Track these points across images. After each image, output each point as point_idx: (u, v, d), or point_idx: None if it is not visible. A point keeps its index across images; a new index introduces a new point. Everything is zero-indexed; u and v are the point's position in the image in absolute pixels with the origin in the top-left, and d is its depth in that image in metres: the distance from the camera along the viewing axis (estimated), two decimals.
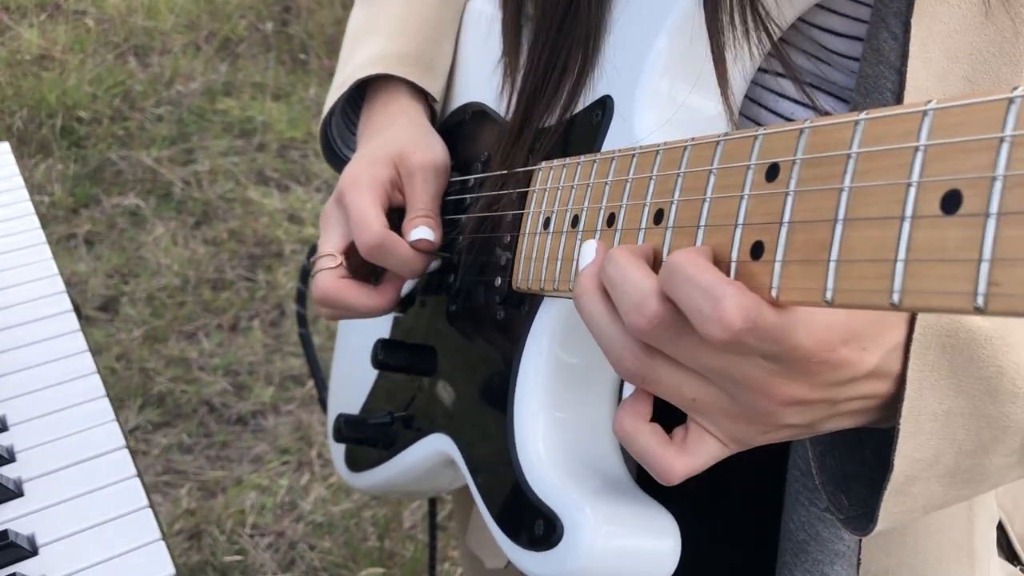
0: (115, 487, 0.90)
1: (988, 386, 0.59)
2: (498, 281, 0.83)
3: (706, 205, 0.54)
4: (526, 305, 0.80)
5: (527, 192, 0.79)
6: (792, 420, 0.56)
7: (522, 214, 0.79)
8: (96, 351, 2.60)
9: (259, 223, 3.14)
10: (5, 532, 0.82)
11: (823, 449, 0.66)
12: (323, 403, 1.28)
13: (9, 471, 0.90)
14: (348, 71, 1.03)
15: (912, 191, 0.39)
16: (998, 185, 0.35)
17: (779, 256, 0.47)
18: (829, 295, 0.43)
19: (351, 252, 0.92)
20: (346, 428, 1.00)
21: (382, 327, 1.08)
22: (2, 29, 3.77)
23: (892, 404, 0.58)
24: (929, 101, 0.40)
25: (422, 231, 0.90)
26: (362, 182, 0.91)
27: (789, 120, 0.73)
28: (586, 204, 0.68)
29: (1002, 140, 0.36)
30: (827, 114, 0.60)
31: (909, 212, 0.39)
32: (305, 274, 1.25)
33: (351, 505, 2.35)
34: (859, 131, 0.43)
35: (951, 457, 0.60)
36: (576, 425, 0.74)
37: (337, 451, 1.15)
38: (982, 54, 0.63)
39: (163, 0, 4.09)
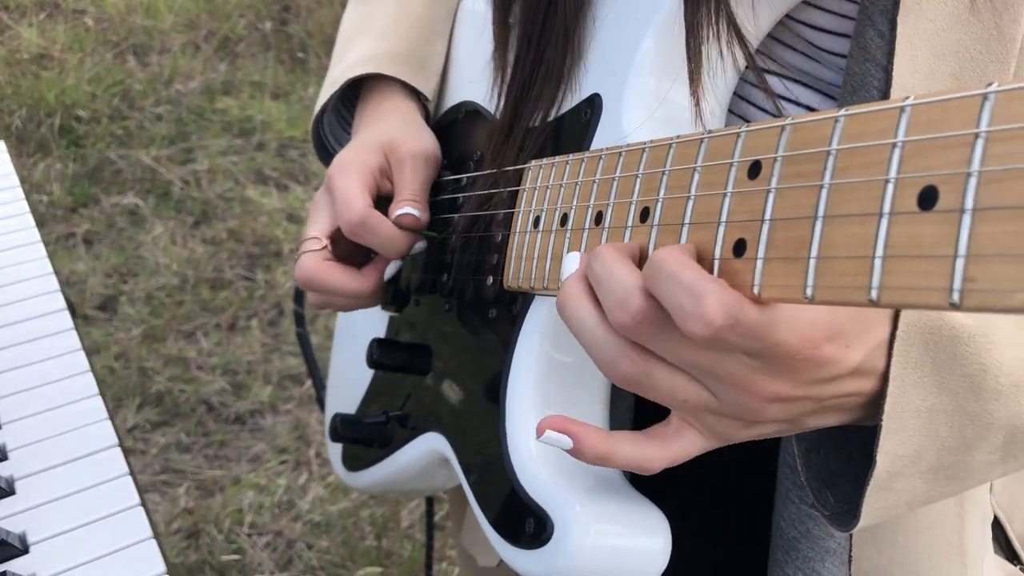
0: (107, 485, 0.90)
1: (971, 383, 0.59)
2: (490, 280, 0.83)
3: (690, 203, 0.54)
4: (517, 304, 0.80)
5: (518, 191, 0.79)
6: (775, 416, 0.56)
7: (512, 213, 0.79)
8: (95, 350, 2.63)
9: (258, 222, 3.14)
10: None
11: (808, 446, 0.66)
12: (321, 402, 1.29)
13: (0, 469, 0.90)
14: (340, 70, 1.03)
15: (890, 187, 0.39)
16: (973, 181, 0.35)
17: (761, 253, 0.47)
18: (809, 292, 0.43)
19: (338, 238, 0.93)
20: (342, 427, 1.00)
21: (378, 326, 1.08)
22: (1, 28, 3.77)
23: (876, 401, 0.58)
24: (907, 98, 0.40)
25: (407, 208, 0.90)
26: (350, 167, 0.91)
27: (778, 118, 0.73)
28: (575, 203, 0.68)
29: (977, 136, 0.36)
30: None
31: (887, 209, 0.39)
32: None
33: (349, 504, 2.35)
34: (838, 128, 0.43)
35: (934, 454, 0.60)
36: None
37: (334, 450, 1.15)
38: (968, 51, 0.63)
39: None
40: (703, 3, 0.68)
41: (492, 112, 0.88)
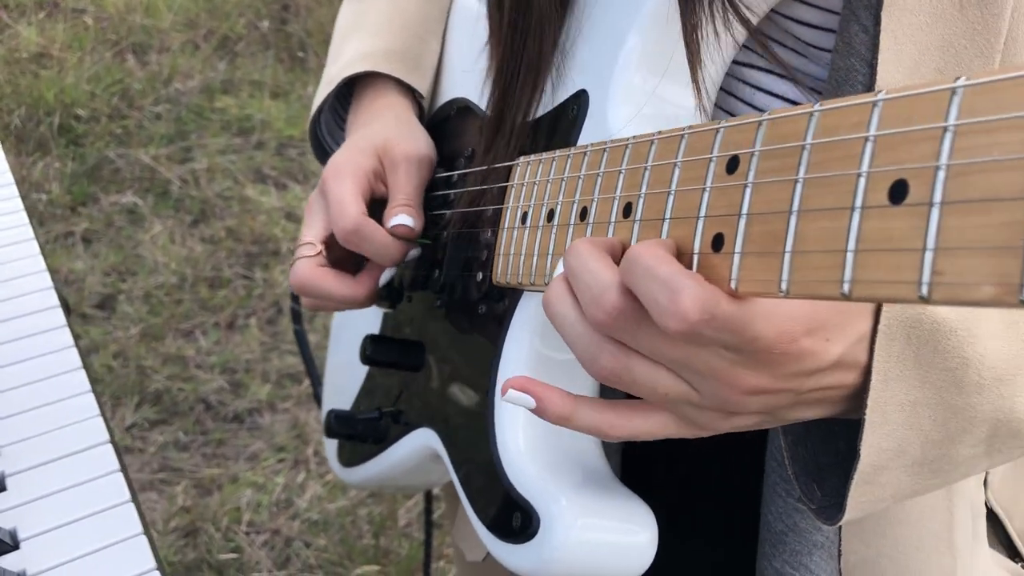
0: (98, 482, 0.90)
1: (953, 377, 0.59)
2: (479, 276, 0.83)
3: (671, 198, 0.54)
4: (506, 300, 0.80)
5: (506, 187, 0.79)
6: (755, 408, 0.56)
7: (501, 209, 0.79)
8: (93, 349, 2.63)
9: (256, 221, 3.14)
10: None
11: (795, 440, 0.66)
12: (318, 399, 1.29)
13: None
14: (335, 69, 1.03)
15: (862, 181, 0.40)
16: (941, 175, 0.36)
17: (738, 248, 0.47)
18: (784, 286, 0.44)
19: (333, 243, 0.93)
20: (336, 423, 1.01)
21: (372, 323, 1.08)
22: (0, 27, 3.77)
23: (859, 395, 0.58)
24: (879, 92, 0.40)
25: (401, 217, 0.90)
26: (344, 171, 0.91)
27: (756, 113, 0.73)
28: (560, 198, 0.68)
29: (945, 130, 0.36)
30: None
31: (859, 203, 0.40)
32: None
33: (347, 503, 2.35)
34: (813, 123, 0.44)
35: (918, 447, 0.61)
36: None
37: (330, 446, 1.16)
38: (953, 46, 0.63)
39: None
40: None
41: (484, 108, 0.88)
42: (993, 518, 0.84)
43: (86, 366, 1.04)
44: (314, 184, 3.26)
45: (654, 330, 0.53)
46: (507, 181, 0.79)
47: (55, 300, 1.16)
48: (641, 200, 0.57)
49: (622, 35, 0.73)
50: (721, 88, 0.75)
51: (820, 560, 0.75)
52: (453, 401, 0.87)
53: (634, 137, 0.60)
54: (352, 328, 1.15)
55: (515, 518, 0.71)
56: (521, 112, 0.81)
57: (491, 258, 0.80)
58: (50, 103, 3.47)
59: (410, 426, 0.94)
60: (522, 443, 0.73)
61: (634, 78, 0.72)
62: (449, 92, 1.03)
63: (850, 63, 0.65)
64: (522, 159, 0.77)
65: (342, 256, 0.94)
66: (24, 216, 1.31)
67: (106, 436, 0.95)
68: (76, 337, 1.09)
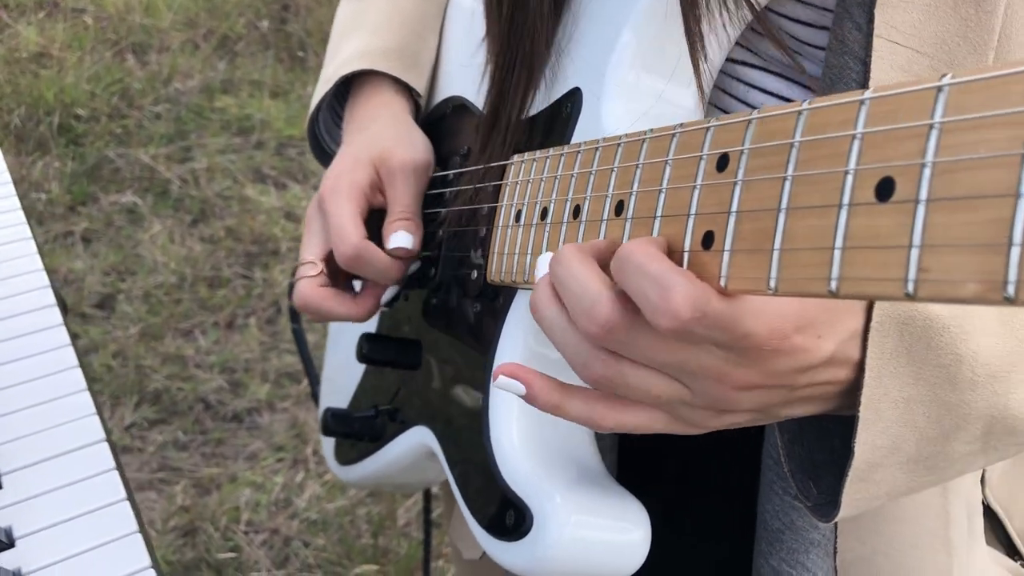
0: (94, 480, 0.90)
1: (947, 374, 0.59)
2: (474, 275, 0.84)
3: (662, 196, 0.54)
4: (501, 298, 0.80)
5: (501, 185, 0.79)
6: (748, 406, 0.56)
7: (496, 207, 0.79)
8: (93, 348, 2.63)
9: (256, 221, 3.14)
10: None
11: (791, 437, 0.66)
12: (315, 398, 1.29)
13: None
14: (333, 67, 1.03)
15: (849, 179, 0.40)
16: (927, 172, 0.36)
17: (727, 246, 0.47)
18: (773, 283, 0.44)
19: (332, 258, 0.93)
20: (333, 422, 1.01)
21: (369, 322, 1.08)
22: (0, 26, 3.77)
23: (852, 391, 0.58)
24: (866, 90, 0.40)
25: (400, 237, 0.90)
26: (342, 189, 0.92)
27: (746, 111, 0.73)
28: (554, 196, 0.68)
29: (931, 127, 0.36)
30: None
31: (846, 200, 0.40)
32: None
33: (346, 502, 2.35)
34: (802, 121, 0.44)
35: (913, 444, 0.61)
36: (550, 416, 0.75)
37: (328, 445, 1.16)
38: (947, 44, 0.63)
39: None
40: None
41: (479, 106, 0.88)
42: (992, 516, 0.84)
43: (86, 366, 1.04)
44: (314, 184, 3.27)
45: (648, 338, 0.53)
46: (502, 179, 0.80)
47: (52, 299, 1.16)
48: (633, 198, 0.57)
49: (616, 32, 0.73)
50: (715, 85, 0.75)
51: (816, 558, 0.75)
52: (448, 399, 0.87)
53: (626, 135, 0.60)
54: (350, 327, 1.15)
55: (508, 516, 0.71)
56: (516, 110, 0.82)
57: (486, 256, 0.80)
58: (50, 103, 3.47)
59: (406, 424, 0.94)
60: (516, 441, 0.73)
61: (628, 75, 0.72)
62: (445, 90, 1.03)
63: (843, 61, 0.65)
64: (516, 157, 0.77)
65: (341, 269, 0.95)
66: (21, 215, 1.31)
67: (102, 434, 0.95)
68: (75, 336, 1.10)
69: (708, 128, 0.51)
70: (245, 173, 3.35)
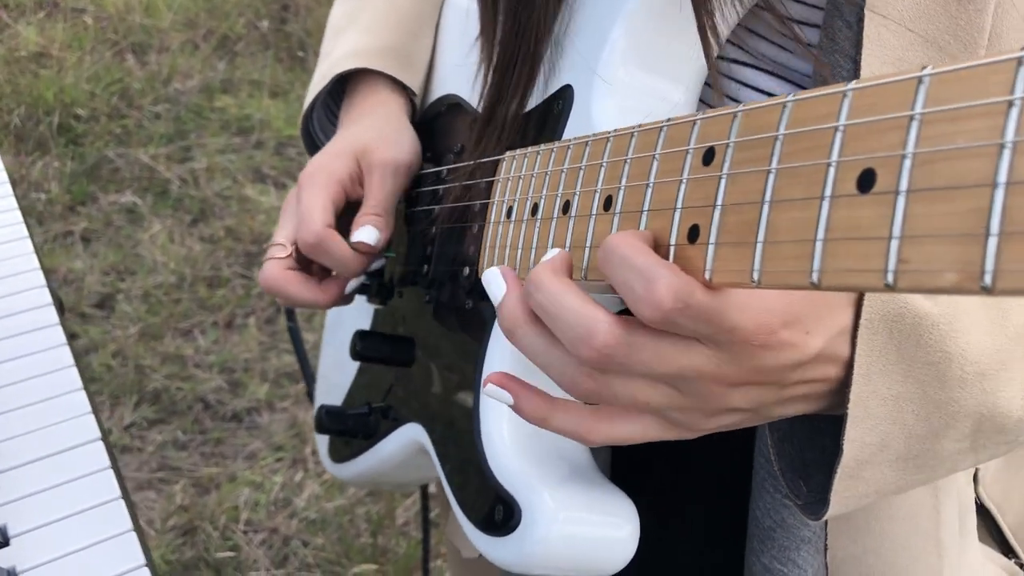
0: (89, 479, 0.90)
1: (936, 371, 0.59)
2: (466, 271, 0.84)
3: (649, 190, 0.54)
4: None
5: (493, 181, 0.79)
6: (739, 404, 0.56)
7: (488, 203, 0.79)
8: (92, 348, 2.63)
9: (255, 221, 3.14)
10: None
11: (781, 436, 0.66)
12: (311, 396, 1.29)
13: None
14: (327, 65, 1.03)
15: (831, 171, 0.40)
16: (907, 163, 0.36)
17: (712, 239, 0.47)
18: (756, 276, 0.44)
19: None
20: (327, 419, 1.01)
21: (364, 319, 1.08)
22: (0, 26, 3.78)
23: (842, 389, 0.58)
24: (848, 83, 0.40)
25: (365, 232, 0.91)
26: (318, 178, 0.92)
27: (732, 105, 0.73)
28: (544, 192, 0.68)
29: (912, 119, 0.36)
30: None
31: (828, 192, 0.40)
32: None
33: (345, 502, 2.35)
34: (786, 114, 0.44)
35: (902, 442, 0.60)
36: None
37: (322, 443, 1.16)
38: (937, 42, 0.63)
39: None
40: None
41: (474, 105, 0.88)
42: (985, 514, 0.84)
43: (85, 365, 1.04)
44: None
45: (645, 354, 0.52)
46: (494, 176, 0.80)
47: (48, 298, 1.16)
48: (621, 193, 0.57)
49: (607, 29, 0.73)
50: (706, 83, 0.75)
51: (807, 555, 0.75)
52: (440, 396, 0.87)
53: (615, 130, 0.60)
54: (345, 325, 1.15)
55: (497, 511, 0.71)
56: (514, 105, 0.82)
57: (478, 253, 0.80)
58: (49, 102, 3.47)
59: (399, 421, 0.94)
60: (506, 436, 0.73)
61: (619, 72, 0.72)
62: (440, 89, 1.03)
63: (834, 59, 0.65)
64: (508, 153, 0.77)
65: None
66: (18, 214, 1.31)
67: (97, 433, 0.95)
68: (75, 336, 1.10)
69: (695, 122, 0.51)
70: (245, 173, 3.35)
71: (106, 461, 0.92)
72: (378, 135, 0.96)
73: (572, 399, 0.60)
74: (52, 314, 1.14)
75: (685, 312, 0.49)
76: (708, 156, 0.49)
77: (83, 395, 1.00)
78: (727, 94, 0.76)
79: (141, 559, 0.83)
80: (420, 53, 1.04)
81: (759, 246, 0.43)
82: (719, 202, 0.47)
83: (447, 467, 0.82)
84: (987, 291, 0.32)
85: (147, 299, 2.86)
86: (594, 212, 0.60)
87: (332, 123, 1.09)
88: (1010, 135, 0.32)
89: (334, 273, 0.97)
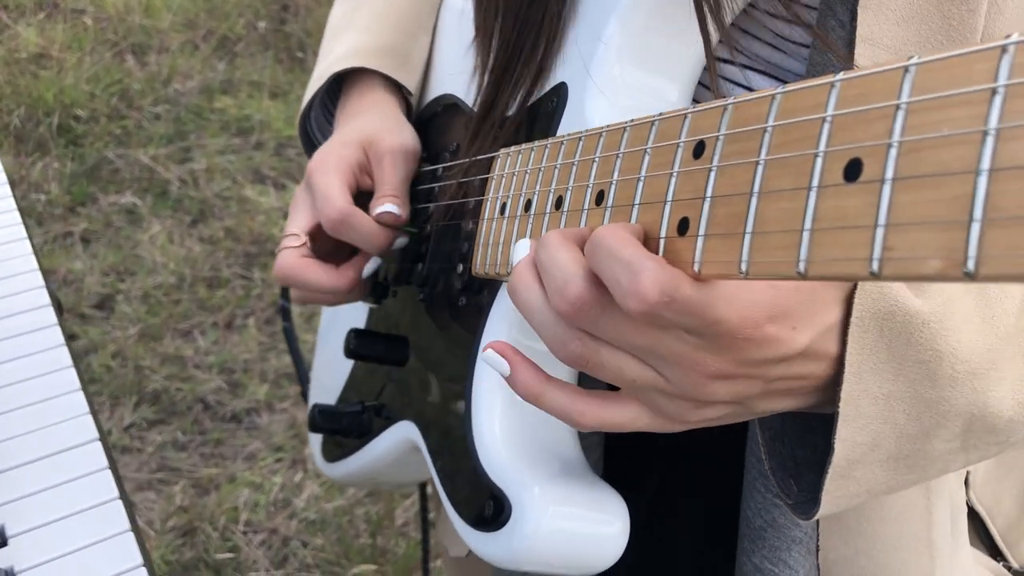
0: (87, 479, 0.90)
1: (927, 370, 0.59)
2: (460, 268, 0.84)
3: (640, 184, 0.54)
4: (486, 291, 0.80)
5: (487, 179, 0.80)
6: (722, 396, 0.56)
7: (482, 200, 0.79)
8: (92, 349, 2.63)
9: (255, 221, 3.14)
10: None
11: (772, 435, 0.66)
12: (305, 395, 1.29)
13: None
14: (326, 64, 1.04)
15: (819, 161, 0.40)
16: (893, 152, 0.36)
17: (702, 231, 0.47)
18: (743, 267, 0.44)
19: (318, 235, 0.93)
20: (320, 418, 1.01)
21: (359, 319, 1.08)
22: (0, 27, 3.78)
23: (831, 386, 0.58)
24: (837, 74, 0.40)
25: (388, 206, 0.90)
26: (329, 163, 0.92)
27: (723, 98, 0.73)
28: (538, 188, 0.68)
29: (898, 107, 0.36)
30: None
31: (816, 182, 0.40)
32: None
33: (344, 502, 2.35)
34: (775, 106, 0.44)
35: (893, 441, 0.60)
36: (532, 408, 0.75)
37: (315, 442, 1.16)
38: (929, 42, 0.63)
39: None
40: None
41: (471, 105, 0.88)
42: (975, 517, 0.84)
43: (85, 366, 1.05)
44: None
45: (618, 318, 0.53)
46: (488, 173, 0.80)
47: (47, 299, 1.16)
48: (613, 187, 0.57)
49: (600, 27, 0.73)
50: (700, 83, 0.75)
51: (799, 555, 0.75)
52: (433, 393, 0.87)
53: (608, 126, 0.61)
54: (340, 325, 1.15)
55: (488, 506, 0.71)
56: (510, 105, 0.82)
57: (471, 250, 0.81)
58: (49, 103, 3.47)
59: (392, 419, 0.94)
60: (498, 432, 0.73)
61: (613, 69, 0.72)
62: (437, 89, 1.03)
63: (827, 58, 0.66)
64: (503, 151, 0.77)
65: (328, 249, 0.95)
66: (17, 215, 1.31)
67: (95, 433, 0.95)
68: (75, 337, 1.10)
69: (686, 116, 0.51)
70: (244, 173, 3.35)
71: (104, 461, 0.92)
72: (381, 126, 0.96)
73: (567, 381, 0.61)
74: (51, 315, 1.14)
75: (671, 306, 0.49)
76: (698, 149, 0.49)
77: (81, 396, 1.00)
78: (721, 94, 0.76)
79: (139, 559, 0.83)
80: (417, 53, 1.05)
81: (747, 237, 0.44)
82: (709, 194, 0.47)
83: (439, 464, 0.82)
84: (970, 277, 0.32)
85: (147, 300, 2.87)
86: (586, 207, 0.60)
87: (329, 122, 1.09)
88: (993, 122, 0.32)
89: (340, 266, 0.96)
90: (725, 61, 0.75)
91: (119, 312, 2.81)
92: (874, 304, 0.57)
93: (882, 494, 0.65)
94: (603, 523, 0.70)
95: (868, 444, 0.60)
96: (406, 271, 0.96)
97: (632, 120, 0.58)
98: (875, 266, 0.36)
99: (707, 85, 0.76)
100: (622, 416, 0.59)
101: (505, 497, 0.70)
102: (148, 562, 0.82)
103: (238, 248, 3.07)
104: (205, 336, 2.78)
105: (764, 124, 0.44)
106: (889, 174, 0.36)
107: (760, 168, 0.44)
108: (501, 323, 0.76)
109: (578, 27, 0.78)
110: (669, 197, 0.51)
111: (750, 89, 0.74)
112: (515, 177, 0.73)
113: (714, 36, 0.69)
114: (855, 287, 0.56)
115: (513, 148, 0.75)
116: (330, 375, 1.15)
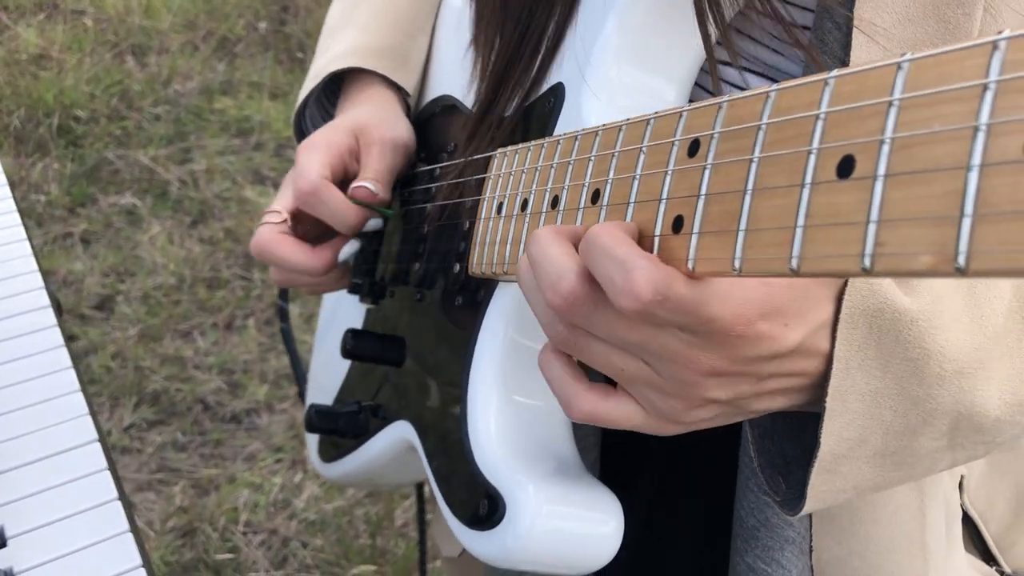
0: (86, 480, 0.90)
1: (915, 368, 0.59)
2: (456, 268, 0.84)
3: (635, 183, 0.54)
4: (482, 291, 0.80)
5: (484, 178, 0.80)
6: (715, 394, 0.56)
7: (479, 200, 0.79)
8: (92, 350, 2.64)
9: (255, 222, 3.13)
10: None
11: (762, 433, 0.66)
12: (302, 396, 1.29)
13: None
14: (322, 63, 1.04)
15: (812, 158, 0.40)
16: (886, 148, 0.36)
17: (696, 228, 0.48)
18: (737, 264, 0.44)
19: (301, 216, 0.94)
20: (316, 418, 1.01)
21: (357, 319, 1.08)
22: (0, 28, 3.78)
23: (822, 384, 0.58)
24: (831, 72, 0.40)
25: (363, 182, 0.91)
26: (317, 144, 0.93)
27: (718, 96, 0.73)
28: (534, 187, 0.68)
29: (890, 104, 0.36)
30: None
31: (809, 179, 0.40)
32: None
33: (343, 503, 2.35)
34: (769, 103, 0.44)
35: (879, 438, 0.60)
36: (528, 407, 0.75)
37: (311, 442, 1.16)
38: (924, 45, 0.64)
39: None
40: None
41: (468, 105, 0.88)
42: (968, 522, 0.84)
43: (85, 367, 1.05)
44: None
45: (610, 315, 0.54)
46: (485, 173, 0.80)
47: (46, 300, 1.16)
48: (608, 186, 0.58)
49: (598, 26, 0.73)
50: (697, 84, 0.75)
51: (791, 555, 0.75)
52: (429, 393, 0.87)
53: (604, 125, 0.61)
54: (337, 325, 1.15)
55: (482, 505, 0.71)
56: (512, 103, 0.82)
57: (468, 250, 0.81)
58: (49, 104, 3.47)
59: (388, 419, 0.94)
60: (493, 430, 0.73)
61: (609, 70, 0.72)
62: (435, 89, 1.03)
63: (823, 60, 0.66)
64: (500, 150, 0.78)
65: (311, 232, 0.95)
66: (17, 216, 1.31)
67: (95, 435, 0.95)
68: (75, 338, 1.10)
69: (681, 114, 0.52)
70: (244, 174, 3.35)
71: (103, 462, 0.92)
72: (377, 117, 0.96)
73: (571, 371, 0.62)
74: (50, 316, 1.14)
75: (664, 304, 0.49)
76: (693, 147, 0.49)
77: (80, 397, 1.00)
78: (721, 94, 0.75)
79: (138, 560, 0.83)
80: (415, 53, 1.05)
81: (741, 234, 0.44)
82: (703, 192, 0.47)
83: (434, 463, 0.82)
84: (961, 272, 0.32)
85: (147, 301, 2.87)
86: (582, 206, 0.60)
87: (325, 120, 1.09)
88: (984, 118, 0.32)
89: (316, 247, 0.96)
90: (724, 63, 0.75)
91: (119, 313, 2.82)
92: (863, 301, 0.57)
93: (869, 491, 0.65)
94: (597, 522, 0.70)
95: (855, 439, 0.60)
96: (403, 271, 0.96)
97: (628, 119, 0.58)
98: (867, 262, 0.36)
99: (704, 87, 0.76)
100: (615, 412, 0.60)
101: (500, 496, 0.70)
102: (148, 563, 0.82)
103: (238, 249, 3.07)
104: (205, 337, 2.78)
105: (758, 122, 0.44)
106: (881, 170, 0.36)
107: (754, 166, 0.44)
108: (498, 321, 0.76)
109: (576, 27, 0.78)
110: (664, 195, 0.51)
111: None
112: (512, 177, 0.73)
113: (727, 15, 0.69)
114: (846, 284, 0.57)
115: (510, 148, 0.75)
116: (327, 375, 1.15)
